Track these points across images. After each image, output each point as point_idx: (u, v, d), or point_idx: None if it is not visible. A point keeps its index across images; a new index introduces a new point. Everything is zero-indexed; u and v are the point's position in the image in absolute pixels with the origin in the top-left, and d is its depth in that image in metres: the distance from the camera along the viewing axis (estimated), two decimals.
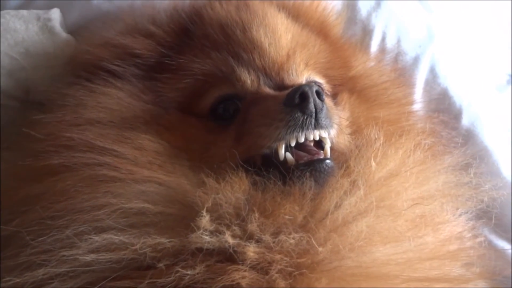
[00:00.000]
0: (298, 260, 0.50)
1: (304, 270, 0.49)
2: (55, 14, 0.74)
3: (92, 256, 0.50)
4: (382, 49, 0.91)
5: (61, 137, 0.59)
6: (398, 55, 0.91)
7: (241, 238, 0.51)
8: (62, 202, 0.55)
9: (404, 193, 0.58)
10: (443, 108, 0.90)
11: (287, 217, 0.51)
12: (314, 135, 0.58)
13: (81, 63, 0.68)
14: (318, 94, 0.58)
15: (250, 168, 0.56)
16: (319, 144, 0.60)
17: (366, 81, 0.77)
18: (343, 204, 0.54)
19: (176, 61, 0.66)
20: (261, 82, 0.64)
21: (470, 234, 0.69)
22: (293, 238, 0.50)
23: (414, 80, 0.91)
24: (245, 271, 0.49)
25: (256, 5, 0.73)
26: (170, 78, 0.66)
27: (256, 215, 0.52)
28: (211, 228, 0.51)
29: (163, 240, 0.50)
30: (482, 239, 0.72)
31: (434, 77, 0.92)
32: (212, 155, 0.60)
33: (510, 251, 0.85)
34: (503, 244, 0.85)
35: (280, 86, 0.65)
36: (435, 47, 0.93)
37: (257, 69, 0.65)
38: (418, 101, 0.91)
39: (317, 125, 0.58)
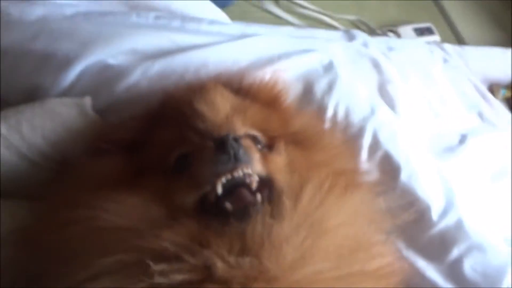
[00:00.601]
0: (253, 279, 0.63)
1: (257, 285, 0.63)
2: (88, 101, 1.00)
3: None
4: (334, 122, 1.14)
5: (70, 198, 0.78)
6: (346, 127, 1.14)
7: (191, 270, 0.64)
8: (67, 251, 0.69)
9: (327, 218, 0.73)
10: (386, 168, 1.11)
11: (224, 249, 0.66)
12: (238, 171, 0.73)
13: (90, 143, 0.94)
14: (235, 139, 0.75)
15: (203, 211, 0.73)
16: (261, 188, 0.76)
17: (303, 134, 0.94)
18: (272, 231, 0.68)
19: (147, 138, 0.88)
20: (206, 139, 0.80)
21: (394, 254, 0.83)
22: (245, 261, 0.64)
23: (360, 146, 1.13)
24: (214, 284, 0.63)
25: (204, 86, 0.92)
26: (143, 151, 0.87)
27: (204, 249, 0.65)
28: (164, 270, 0.62)
29: (138, 283, 0.62)
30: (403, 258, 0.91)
31: (376, 143, 1.13)
32: (173, 199, 0.76)
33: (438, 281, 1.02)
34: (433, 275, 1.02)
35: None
36: (376, 119, 1.16)
37: (202, 131, 0.81)
38: (363, 163, 1.12)
39: (238, 160, 0.73)
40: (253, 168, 0.77)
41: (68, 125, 0.96)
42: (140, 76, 1.06)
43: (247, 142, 0.81)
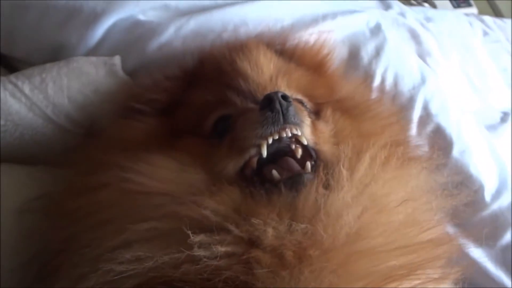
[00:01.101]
0: (306, 246, 0.58)
1: (312, 254, 0.58)
2: (118, 60, 0.92)
3: (126, 267, 0.57)
4: (382, 90, 1.05)
5: (100, 161, 0.73)
6: (395, 95, 1.05)
7: (238, 242, 0.59)
8: (98, 215, 0.66)
9: (386, 193, 0.67)
10: (437, 142, 1.00)
11: (273, 219, 0.60)
12: (286, 132, 0.68)
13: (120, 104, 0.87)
14: (284, 97, 0.69)
15: (244, 178, 0.68)
16: (305, 157, 0.70)
17: (350, 102, 0.88)
18: (328, 201, 0.63)
19: (184, 98, 0.83)
20: (248, 101, 0.76)
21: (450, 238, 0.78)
22: (299, 229, 0.59)
23: (410, 118, 1.03)
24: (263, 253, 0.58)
25: (246, 45, 0.87)
26: (180, 112, 0.82)
27: (250, 219, 0.60)
28: (204, 241, 0.58)
29: (175, 254, 0.57)
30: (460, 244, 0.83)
31: (427, 114, 1.04)
32: (213, 165, 0.70)
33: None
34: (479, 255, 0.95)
35: None
36: (427, 88, 1.06)
37: (244, 92, 0.77)
38: (414, 136, 1.03)
39: (286, 121, 0.67)
40: (303, 131, 0.71)
41: (96, 85, 0.88)
42: (174, 34, 0.97)
43: (298, 104, 0.75)
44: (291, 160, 0.69)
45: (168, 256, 0.57)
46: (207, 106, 0.79)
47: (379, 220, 0.64)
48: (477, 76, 1.40)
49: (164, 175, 0.68)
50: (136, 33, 0.98)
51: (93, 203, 0.67)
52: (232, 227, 0.60)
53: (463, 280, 0.70)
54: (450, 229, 0.91)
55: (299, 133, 0.69)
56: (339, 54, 1.03)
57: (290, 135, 0.68)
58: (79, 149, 0.82)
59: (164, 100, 0.84)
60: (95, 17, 0.96)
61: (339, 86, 0.92)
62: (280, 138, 0.68)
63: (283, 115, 0.67)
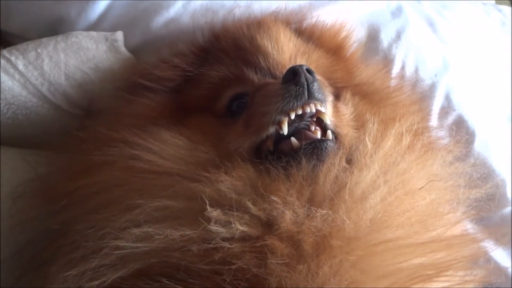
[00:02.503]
0: (326, 234, 0.53)
1: (333, 244, 0.53)
2: (120, 36, 0.84)
3: (134, 245, 0.54)
4: (402, 76, 0.96)
5: (103, 138, 0.66)
6: (416, 82, 0.97)
7: (254, 222, 0.54)
8: (103, 195, 0.60)
9: (408, 178, 0.61)
10: (459, 133, 0.91)
11: (293, 197, 0.55)
12: (310, 107, 0.62)
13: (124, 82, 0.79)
14: (309, 71, 0.63)
15: (259, 156, 0.62)
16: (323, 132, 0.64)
17: (370, 88, 0.82)
18: (352, 178, 0.57)
19: (196, 75, 0.76)
20: (267, 79, 0.71)
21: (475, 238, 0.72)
22: (319, 215, 0.54)
23: (431, 106, 0.96)
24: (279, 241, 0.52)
25: (264, 21, 0.81)
26: (192, 89, 0.75)
27: (267, 198, 0.55)
28: (221, 218, 0.54)
29: (187, 231, 0.53)
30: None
31: (449, 104, 0.97)
32: (226, 144, 0.65)
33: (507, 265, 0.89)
34: (501, 257, 0.87)
35: None
36: (450, 76, 0.99)
37: (263, 70, 0.72)
38: (435, 125, 0.97)
39: (310, 96, 0.62)
40: (326, 108, 0.65)
41: (96, 62, 0.79)
42: (182, 9, 0.88)
43: (321, 79, 0.69)
44: (309, 132, 0.63)
45: (180, 233, 0.53)
46: (221, 83, 0.73)
47: (404, 204, 0.60)
48: (494, 67, 1.33)
49: (174, 153, 0.63)
50: (140, 7, 0.89)
51: (97, 182, 0.62)
52: (249, 204, 0.55)
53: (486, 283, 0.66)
54: (472, 228, 0.85)
55: (324, 110, 0.63)
56: (357, 36, 0.95)
57: (314, 111, 0.63)
58: (79, 130, 0.74)
59: (173, 78, 0.77)
60: None
61: (358, 70, 0.85)
62: (303, 114, 0.62)
63: (308, 89, 0.61)
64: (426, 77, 0.99)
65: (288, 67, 0.68)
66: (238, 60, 0.74)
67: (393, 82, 0.94)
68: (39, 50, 0.79)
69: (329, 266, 0.51)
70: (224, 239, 0.53)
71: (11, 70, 0.78)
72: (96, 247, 0.55)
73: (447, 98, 0.98)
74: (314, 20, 0.87)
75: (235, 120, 0.68)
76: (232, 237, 0.53)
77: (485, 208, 0.87)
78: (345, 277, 0.51)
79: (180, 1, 0.89)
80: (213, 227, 0.53)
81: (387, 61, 0.97)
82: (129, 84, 0.78)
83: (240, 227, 0.53)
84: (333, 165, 0.58)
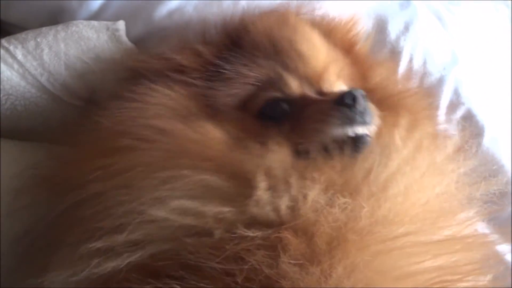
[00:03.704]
0: (341, 226, 0.52)
1: (348, 237, 0.51)
2: (122, 26, 0.80)
3: (169, 216, 0.52)
4: (409, 70, 0.93)
5: (131, 125, 0.63)
6: (424, 76, 0.94)
7: (291, 204, 0.53)
8: (136, 170, 0.57)
9: (422, 176, 0.61)
10: (467, 128, 0.89)
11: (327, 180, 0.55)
12: (363, 131, 0.64)
13: (142, 69, 0.73)
14: (363, 96, 0.64)
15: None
16: None
17: (383, 92, 0.80)
18: (384, 164, 0.58)
19: (227, 71, 0.71)
20: (305, 88, 0.70)
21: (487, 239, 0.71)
22: (339, 203, 0.53)
23: (439, 100, 0.93)
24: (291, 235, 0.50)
25: (294, 21, 0.78)
26: (222, 85, 0.70)
27: (304, 180, 0.54)
28: (266, 196, 0.53)
29: (224, 209, 0.52)
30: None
31: (458, 98, 0.94)
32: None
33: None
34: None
35: (319, 93, 0.71)
36: (459, 70, 0.95)
37: (301, 77, 0.70)
38: (443, 119, 0.95)
39: (363, 122, 0.64)
40: (371, 130, 0.66)
41: (96, 52, 0.76)
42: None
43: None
44: None
45: (217, 209, 0.52)
46: (257, 84, 0.71)
47: (418, 200, 0.59)
48: (503, 62, 1.30)
49: (216, 142, 0.61)
50: None
51: (126, 160, 0.59)
52: (294, 182, 0.55)
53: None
54: (485, 228, 0.82)
55: (371, 134, 0.66)
56: (363, 28, 0.92)
57: (365, 133, 0.65)
58: (99, 118, 0.68)
59: (199, 69, 0.73)
60: None
61: (373, 73, 0.83)
62: (357, 136, 0.65)
63: (362, 116, 0.64)
64: (434, 71, 0.95)
65: (324, 76, 0.72)
66: (275, 63, 0.71)
67: (404, 82, 0.92)
68: (38, 40, 0.76)
69: (343, 267, 0.49)
70: (249, 225, 0.51)
71: (10, 60, 0.75)
72: (124, 222, 0.53)
73: (456, 92, 0.95)
74: (322, 11, 0.83)
75: (274, 126, 0.67)
76: (264, 222, 0.52)
77: (496, 207, 0.84)
78: (359, 278, 0.49)
79: None
80: (253, 207, 0.52)
81: (394, 52, 0.94)
82: (154, 72, 0.72)
83: (282, 205, 0.53)
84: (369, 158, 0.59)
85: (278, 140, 0.62)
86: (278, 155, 0.58)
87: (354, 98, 0.64)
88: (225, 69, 0.71)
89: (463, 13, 1.26)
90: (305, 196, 0.53)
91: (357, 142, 0.63)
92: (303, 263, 0.49)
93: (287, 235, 0.50)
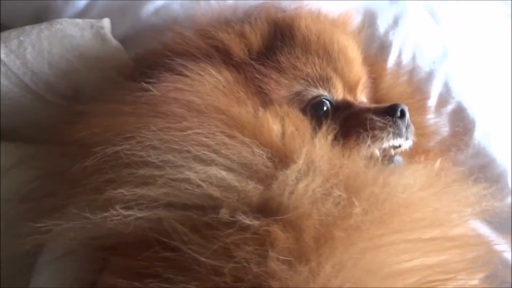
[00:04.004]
0: (330, 221, 0.51)
1: (335, 234, 0.50)
2: (107, 23, 0.79)
3: (201, 182, 0.52)
4: (398, 64, 0.92)
5: (181, 97, 0.62)
6: (413, 70, 0.92)
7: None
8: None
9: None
10: (457, 120, 0.92)
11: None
12: (405, 144, 0.70)
13: (187, 48, 0.71)
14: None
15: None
16: None
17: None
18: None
19: (282, 61, 0.72)
20: (346, 92, 0.74)
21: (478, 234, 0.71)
22: (334, 196, 0.53)
23: (429, 94, 0.92)
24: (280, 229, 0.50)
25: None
26: (276, 74, 0.71)
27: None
28: (293, 177, 0.53)
29: (254, 185, 0.53)
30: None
31: (448, 91, 0.93)
32: None
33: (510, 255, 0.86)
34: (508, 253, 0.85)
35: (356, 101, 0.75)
36: (449, 63, 0.94)
37: (345, 82, 0.73)
38: (433, 113, 0.94)
39: (406, 135, 0.70)
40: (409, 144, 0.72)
41: (81, 50, 0.75)
42: None
43: None
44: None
45: (246, 186, 0.53)
46: (306, 78, 0.72)
47: (412, 199, 0.58)
48: (496, 56, 1.29)
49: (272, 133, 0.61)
50: None
51: (179, 124, 0.58)
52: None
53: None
54: (480, 225, 0.82)
55: (407, 147, 0.72)
56: (352, 22, 0.91)
57: (406, 147, 0.72)
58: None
59: (244, 51, 0.73)
60: None
61: (380, 83, 0.87)
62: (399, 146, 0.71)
63: (407, 128, 0.70)
64: (424, 65, 0.94)
65: (358, 84, 0.76)
66: (326, 63, 0.73)
67: (392, 73, 0.92)
68: (21, 38, 0.75)
69: (331, 266, 0.48)
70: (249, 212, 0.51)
71: None
72: (157, 174, 0.53)
73: (446, 86, 0.94)
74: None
75: (318, 125, 0.67)
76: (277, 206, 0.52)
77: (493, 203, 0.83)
78: (347, 277, 0.48)
79: None
80: (275, 185, 0.52)
81: (382, 47, 0.93)
82: (192, 49, 0.71)
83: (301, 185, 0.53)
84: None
85: (326, 133, 0.63)
86: (323, 145, 0.60)
87: (402, 111, 0.69)
88: (279, 59, 0.72)
89: (459, 10, 1.25)
90: (306, 186, 0.53)
91: (392, 158, 0.68)
92: (291, 261, 0.48)
93: (276, 229, 0.49)
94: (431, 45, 0.96)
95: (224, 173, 0.53)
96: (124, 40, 0.83)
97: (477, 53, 1.17)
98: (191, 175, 0.52)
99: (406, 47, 0.95)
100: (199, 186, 0.52)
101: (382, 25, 0.95)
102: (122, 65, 0.76)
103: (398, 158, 0.69)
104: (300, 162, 0.55)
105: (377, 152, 0.68)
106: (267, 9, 0.79)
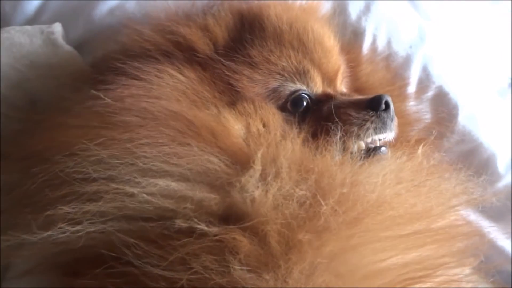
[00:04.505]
0: (295, 223, 0.48)
1: (301, 238, 0.47)
2: (58, 28, 0.74)
3: (152, 198, 0.49)
4: (373, 51, 0.89)
5: (136, 104, 0.58)
6: (389, 56, 0.89)
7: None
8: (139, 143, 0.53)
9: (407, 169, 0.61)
10: (440, 105, 0.88)
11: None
12: (389, 136, 0.67)
13: (145, 47, 0.67)
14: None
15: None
16: None
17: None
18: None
19: (254, 55, 0.67)
20: (325, 85, 0.69)
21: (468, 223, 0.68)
22: (297, 195, 0.49)
23: (408, 80, 0.88)
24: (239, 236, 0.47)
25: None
26: (248, 70, 0.66)
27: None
28: (253, 182, 0.50)
29: (210, 195, 0.49)
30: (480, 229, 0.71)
31: (427, 76, 0.89)
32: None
33: (507, 247, 0.82)
34: (500, 239, 0.81)
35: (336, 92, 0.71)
36: (427, 47, 0.91)
37: (323, 74, 0.69)
38: (413, 99, 0.91)
39: (391, 128, 0.67)
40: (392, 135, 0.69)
41: (31, 58, 0.70)
42: None
43: None
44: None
45: (202, 195, 0.49)
46: (282, 73, 0.68)
47: (389, 196, 0.55)
48: (484, 40, 1.26)
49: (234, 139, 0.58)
50: None
51: (131, 133, 0.54)
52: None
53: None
54: (470, 214, 0.78)
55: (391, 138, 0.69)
56: (322, 11, 0.87)
57: (389, 139, 0.68)
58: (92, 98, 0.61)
59: (209, 46, 0.68)
60: None
61: (359, 71, 0.83)
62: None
63: (392, 120, 0.67)
64: (400, 49, 0.90)
65: (337, 74, 0.72)
66: (302, 55, 0.69)
67: (369, 60, 0.88)
68: None
69: (300, 271, 0.45)
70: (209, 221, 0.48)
71: None
72: (104, 190, 0.50)
73: (425, 70, 0.90)
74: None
75: (294, 122, 0.65)
76: (239, 213, 0.49)
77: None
78: (318, 283, 0.45)
79: None
80: (238, 192, 0.49)
81: (356, 34, 0.89)
82: (156, 48, 0.66)
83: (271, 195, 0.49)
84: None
85: (299, 133, 0.60)
86: (291, 147, 0.56)
87: (386, 103, 0.65)
88: (250, 53, 0.67)
89: None
90: (266, 192, 0.50)
91: (377, 149, 0.65)
92: (255, 269, 0.45)
93: (236, 235, 0.46)
94: (406, 29, 0.92)
95: (175, 184, 0.49)
96: (80, 45, 0.79)
97: (456, 33, 1.14)
98: (136, 191, 0.49)
99: (380, 33, 0.91)
100: (147, 201, 0.49)
101: (353, 11, 0.91)
102: (78, 71, 0.72)
103: (383, 149, 0.66)
104: (257, 168, 0.51)
105: (362, 144, 0.65)
106: (230, 1, 0.75)
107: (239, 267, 0.45)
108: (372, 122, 0.65)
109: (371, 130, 0.65)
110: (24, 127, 0.67)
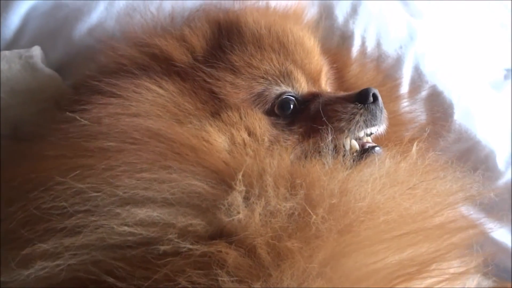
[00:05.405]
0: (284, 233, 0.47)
1: (290, 246, 0.46)
2: (36, 51, 0.73)
3: (127, 229, 0.47)
4: (362, 53, 0.87)
5: (113, 125, 0.56)
6: (379, 58, 0.87)
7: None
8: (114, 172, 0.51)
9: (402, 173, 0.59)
10: (434, 105, 0.87)
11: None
12: (379, 129, 0.66)
13: (121, 61, 0.66)
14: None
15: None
16: None
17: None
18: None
19: (235, 61, 0.66)
20: (310, 85, 0.68)
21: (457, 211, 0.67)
22: (285, 209, 0.48)
23: (399, 80, 0.87)
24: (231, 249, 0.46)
25: (298, 18, 0.78)
26: (230, 76, 0.64)
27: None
28: (238, 202, 0.49)
29: (194, 221, 0.48)
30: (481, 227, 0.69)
31: (419, 75, 0.87)
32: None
33: (510, 244, 0.81)
34: (502, 236, 0.80)
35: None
36: (417, 45, 0.89)
37: (307, 74, 0.68)
38: (407, 100, 0.88)
39: (381, 120, 0.66)
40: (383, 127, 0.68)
41: (10, 84, 0.68)
42: (105, 13, 0.77)
43: None
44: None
45: (187, 221, 0.48)
46: (266, 77, 0.67)
47: (385, 200, 0.54)
48: (476, 33, 1.23)
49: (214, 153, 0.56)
50: (59, 16, 0.78)
51: (109, 161, 0.52)
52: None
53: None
54: (468, 209, 0.76)
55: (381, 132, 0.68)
56: (308, 16, 0.85)
57: (380, 132, 0.67)
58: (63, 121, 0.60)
59: (186, 56, 0.67)
60: (6, 2, 0.77)
61: (345, 72, 0.82)
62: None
63: (381, 112, 0.66)
64: (390, 50, 0.88)
65: (321, 74, 0.71)
66: (284, 57, 0.68)
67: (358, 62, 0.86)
68: None
69: (291, 279, 0.44)
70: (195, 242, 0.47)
71: None
72: (83, 223, 0.48)
73: (417, 70, 0.88)
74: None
75: (285, 125, 0.64)
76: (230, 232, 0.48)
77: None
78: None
79: (102, 3, 0.78)
80: (224, 214, 0.48)
81: (344, 38, 0.87)
82: (133, 63, 0.64)
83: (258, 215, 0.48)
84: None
85: (287, 143, 0.60)
86: (278, 159, 0.54)
87: (374, 95, 0.64)
88: (231, 58, 0.66)
89: None
90: (253, 211, 0.49)
91: (371, 149, 0.63)
92: (245, 279, 0.44)
93: (222, 248, 0.45)
94: (396, 28, 0.90)
95: (157, 212, 0.48)
96: (60, 67, 0.77)
97: (446, 29, 1.12)
98: (115, 224, 0.47)
99: (369, 35, 0.89)
100: (129, 233, 0.47)
101: (340, 14, 0.89)
102: (58, 94, 0.70)
103: (378, 149, 0.64)
104: (239, 189, 0.49)
105: (355, 144, 0.63)
106: (206, 11, 0.74)
107: (228, 279, 0.44)
108: (361, 115, 0.64)
109: (361, 123, 0.64)
110: (5, 158, 0.64)
